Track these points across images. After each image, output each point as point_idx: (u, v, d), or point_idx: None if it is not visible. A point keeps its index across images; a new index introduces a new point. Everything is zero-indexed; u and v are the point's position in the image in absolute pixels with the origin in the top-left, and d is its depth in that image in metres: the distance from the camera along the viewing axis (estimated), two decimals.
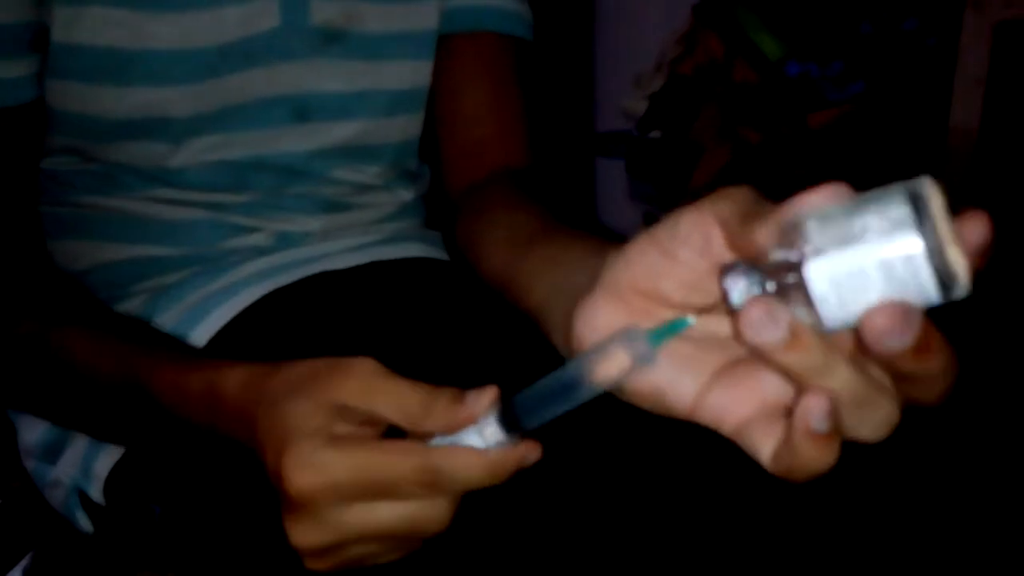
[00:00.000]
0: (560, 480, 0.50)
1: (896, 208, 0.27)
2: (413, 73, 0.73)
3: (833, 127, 1.23)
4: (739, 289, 0.30)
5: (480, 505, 0.40)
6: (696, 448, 0.51)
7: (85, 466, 0.66)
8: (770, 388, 0.33)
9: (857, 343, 0.30)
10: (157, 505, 0.62)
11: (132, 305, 0.69)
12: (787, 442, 0.31)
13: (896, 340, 0.27)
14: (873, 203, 0.28)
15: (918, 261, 0.27)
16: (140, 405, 0.50)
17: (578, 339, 0.38)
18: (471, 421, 0.38)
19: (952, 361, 0.29)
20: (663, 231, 0.35)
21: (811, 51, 1.29)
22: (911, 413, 0.53)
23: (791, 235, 0.29)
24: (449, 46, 0.74)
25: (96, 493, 0.65)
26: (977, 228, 0.27)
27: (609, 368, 0.34)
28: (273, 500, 0.41)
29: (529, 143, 0.76)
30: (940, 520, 0.51)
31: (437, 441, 0.39)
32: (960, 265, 0.27)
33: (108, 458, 0.65)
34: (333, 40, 0.68)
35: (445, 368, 0.58)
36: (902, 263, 0.27)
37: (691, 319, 0.34)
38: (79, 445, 0.67)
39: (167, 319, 0.67)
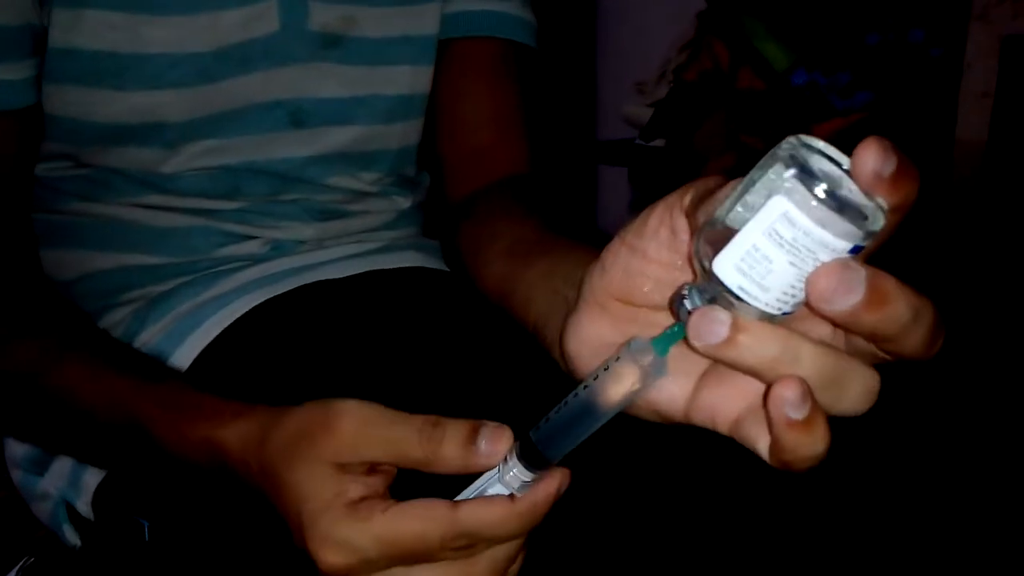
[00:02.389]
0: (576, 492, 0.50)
1: (764, 176, 0.28)
2: (412, 79, 0.72)
3: (839, 137, 1.22)
4: (685, 310, 0.30)
5: None
6: (698, 451, 0.51)
7: (73, 478, 0.65)
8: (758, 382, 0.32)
9: (820, 316, 0.29)
10: (146, 519, 0.61)
11: (122, 315, 0.68)
12: (771, 435, 0.30)
13: (845, 298, 0.26)
14: (753, 180, 0.28)
15: (794, 215, 0.27)
16: (143, 448, 0.50)
17: (569, 355, 0.38)
18: (488, 467, 0.37)
19: (924, 304, 0.28)
20: (631, 231, 0.35)
21: (817, 60, 1.28)
22: (911, 414, 0.53)
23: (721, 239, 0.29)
24: (450, 51, 0.73)
25: (84, 506, 0.64)
26: (867, 157, 0.26)
27: (622, 386, 0.33)
28: (265, 516, 0.41)
29: (531, 150, 0.75)
30: (940, 519, 0.51)
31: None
32: (857, 199, 0.27)
33: (96, 471, 0.64)
34: (332, 45, 0.68)
35: (442, 382, 0.57)
36: (782, 224, 0.27)
37: None
38: (67, 457, 0.66)
39: (157, 329, 0.66)
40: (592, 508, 0.50)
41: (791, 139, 0.28)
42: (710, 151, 1.37)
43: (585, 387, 0.34)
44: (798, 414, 0.28)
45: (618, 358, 0.33)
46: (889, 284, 0.27)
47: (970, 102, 1.23)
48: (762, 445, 0.31)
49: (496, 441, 0.37)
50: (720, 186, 0.31)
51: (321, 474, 0.39)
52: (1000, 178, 1.18)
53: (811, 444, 0.29)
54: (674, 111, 1.44)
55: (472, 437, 0.37)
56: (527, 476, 0.37)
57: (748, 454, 0.32)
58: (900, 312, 0.27)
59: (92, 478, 0.64)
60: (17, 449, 0.69)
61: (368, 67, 0.70)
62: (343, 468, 0.39)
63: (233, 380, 0.59)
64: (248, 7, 0.63)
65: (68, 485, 0.65)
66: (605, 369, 0.34)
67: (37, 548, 0.71)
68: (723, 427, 0.33)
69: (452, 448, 0.37)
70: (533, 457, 0.36)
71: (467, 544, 0.37)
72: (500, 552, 0.38)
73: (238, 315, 0.64)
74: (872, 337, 0.28)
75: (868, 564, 0.49)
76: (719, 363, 0.31)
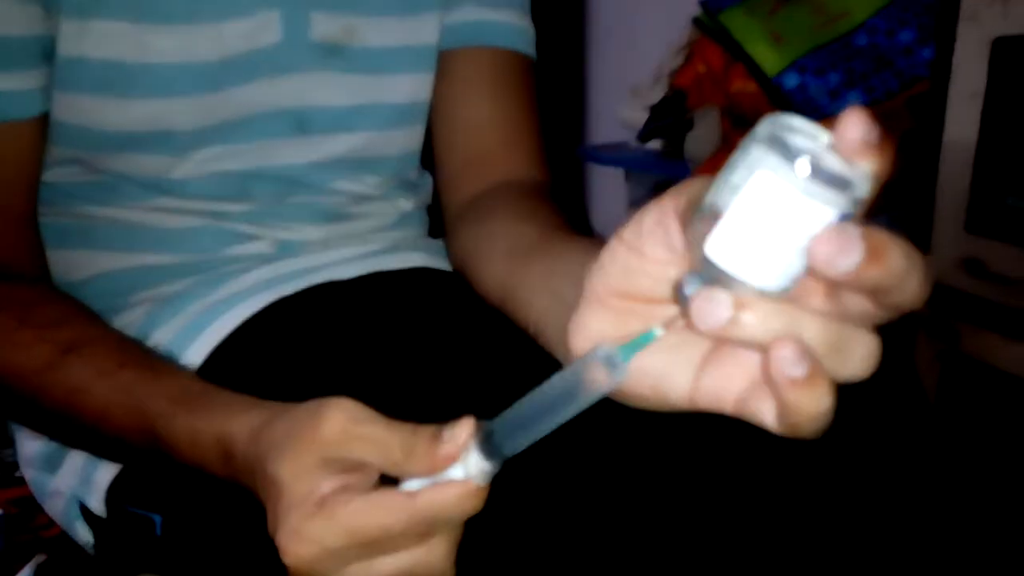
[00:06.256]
0: (546, 483, 0.51)
1: (745, 158, 0.28)
2: (413, 87, 0.73)
3: None
4: (686, 297, 0.31)
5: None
6: (685, 449, 0.51)
7: (85, 476, 0.66)
8: (758, 357, 0.33)
9: (823, 286, 0.30)
10: (158, 516, 0.62)
11: (132, 316, 0.69)
12: (777, 400, 0.31)
13: (847, 259, 0.27)
14: (735, 163, 0.29)
15: (778, 186, 0.27)
16: (153, 449, 0.51)
17: (575, 353, 0.38)
18: (452, 459, 0.38)
19: (913, 250, 0.28)
20: (628, 230, 0.35)
21: (808, 63, 1.30)
22: (907, 417, 0.53)
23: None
24: (450, 61, 0.74)
25: (96, 504, 0.65)
26: (852, 125, 0.27)
27: (582, 390, 0.35)
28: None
29: (539, 156, 0.76)
30: (939, 520, 0.51)
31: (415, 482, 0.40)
32: (839, 169, 0.27)
33: (109, 468, 0.65)
34: (334, 54, 0.69)
35: (448, 381, 0.58)
36: (767, 200, 0.28)
37: (658, 330, 0.34)
38: (79, 455, 0.67)
39: (168, 330, 0.67)
40: (558, 495, 0.51)
41: (767, 118, 0.29)
42: (704, 154, 1.38)
43: (549, 385, 0.35)
44: (799, 371, 0.29)
45: (583, 362, 0.34)
46: (882, 237, 0.28)
47: (959, 104, 1.24)
48: (769, 416, 0.32)
49: (456, 429, 0.39)
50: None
51: (302, 469, 0.40)
52: (990, 181, 1.18)
53: (816, 400, 0.30)
54: (669, 114, 1.46)
55: (439, 433, 0.39)
56: (486, 466, 0.38)
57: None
58: (898, 261, 0.28)
59: (104, 476, 0.65)
60: (30, 448, 0.70)
61: (370, 76, 0.71)
62: (325, 465, 0.40)
63: (244, 378, 0.60)
64: (251, 18, 0.64)
65: (80, 483, 0.66)
66: (570, 372, 0.35)
67: (50, 546, 0.72)
68: (729, 407, 0.34)
69: (422, 445, 0.39)
70: (492, 448, 0.37)
71: (425, 532, 0.39)
72: (456, 533, 0.40)
73: (248, 314, 0.65)
74: (875, 291, 0.29)
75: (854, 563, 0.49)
76: (726, 343, 0.31)
